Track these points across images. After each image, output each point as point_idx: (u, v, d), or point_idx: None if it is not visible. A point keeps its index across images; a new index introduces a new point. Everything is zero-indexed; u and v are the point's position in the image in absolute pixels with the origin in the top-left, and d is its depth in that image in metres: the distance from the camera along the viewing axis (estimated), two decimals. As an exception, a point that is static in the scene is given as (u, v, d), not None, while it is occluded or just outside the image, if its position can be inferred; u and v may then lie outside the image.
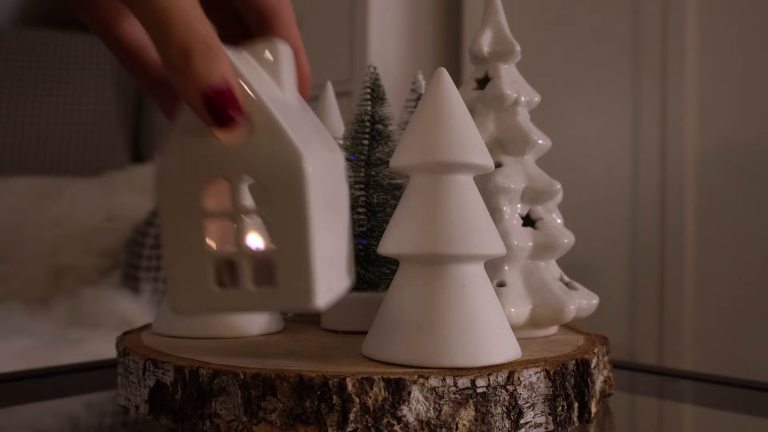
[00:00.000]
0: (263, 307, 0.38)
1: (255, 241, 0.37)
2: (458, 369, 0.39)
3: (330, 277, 0.37)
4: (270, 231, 0.35)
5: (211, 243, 0.36)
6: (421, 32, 1.56)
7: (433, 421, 0.37)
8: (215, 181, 0.35)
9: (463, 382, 0.38)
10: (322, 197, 0.36)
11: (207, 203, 0.35)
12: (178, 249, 0.36)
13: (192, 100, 0.33)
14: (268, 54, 0.38)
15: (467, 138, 0.41)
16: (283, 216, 0.35)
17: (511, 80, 0.54)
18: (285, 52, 0.38)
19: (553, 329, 0.53)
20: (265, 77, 0.37)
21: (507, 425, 0.39)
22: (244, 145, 0.34)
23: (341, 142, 0.52)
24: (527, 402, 0.40)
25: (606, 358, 0.49)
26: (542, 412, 0.40)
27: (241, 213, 0.35)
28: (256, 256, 0.36)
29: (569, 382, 0.42)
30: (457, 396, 0.38)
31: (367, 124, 0.51)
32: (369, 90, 0.51)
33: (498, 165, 0.53)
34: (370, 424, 0.37)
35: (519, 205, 0.53)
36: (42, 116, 1.85)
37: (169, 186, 0.35)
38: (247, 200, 0.38)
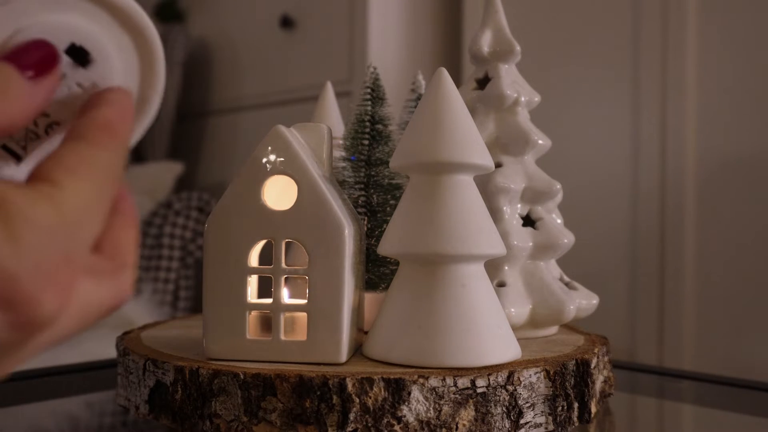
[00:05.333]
0: (292, 357, 0.41)
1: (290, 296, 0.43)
2: (458, 369, 0.39)
3: (351, 331, 0.41)
4: (307, 288, 0.40)
5: (251, 296, 0.41)
6: (421, 32, 1.56)
7: (433, 421, 0.37)
8: (260, 242, 0.41)
9: (463, 382, 0.38)
10: (351, 261, 0.41)
11: (251, 261, 0.41)
12: (219, 300, 0.41)
13: None
14: (314, 135, 0.44)
15: (467, 138, 0.41)
16: (321, 276, 0.40)
17: (511, 80, 0.54)
18: (328, 134, 0.45)
19: (553, 329, 0.53)
20: (310, 154, 0.43)
21: (507, 425, 0.39)
22: (293, 213, 0.40)
23: (341, 142, 0.52)
24: (527, 402, 0.40)
25: (606, 358, 0.49)
26: (542, 412, 0.40)
27: (282, 271, 0.41)
28: (290, 309, 0.41)
29: (569, 382, 0.41)
30: (457, 396, 0.38)
31: (367, 124, 0.51)
32: (369, 90, 0.51)
33: (498, 165, 0.53)
34: (370, 424, 0.37)
35: (519, 206, 0.53)
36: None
37: (217, 244, 0.41)
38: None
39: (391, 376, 0.37)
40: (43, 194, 0.22)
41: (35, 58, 0.24)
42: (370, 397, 0.37)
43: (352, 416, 0.37)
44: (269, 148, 0.41)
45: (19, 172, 0.27)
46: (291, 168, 0.41)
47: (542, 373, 0.40)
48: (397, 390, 0.37)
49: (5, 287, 0.20)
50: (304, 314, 0.41)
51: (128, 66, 0.28)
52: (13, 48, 0.24)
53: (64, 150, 0.23)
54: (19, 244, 0.20)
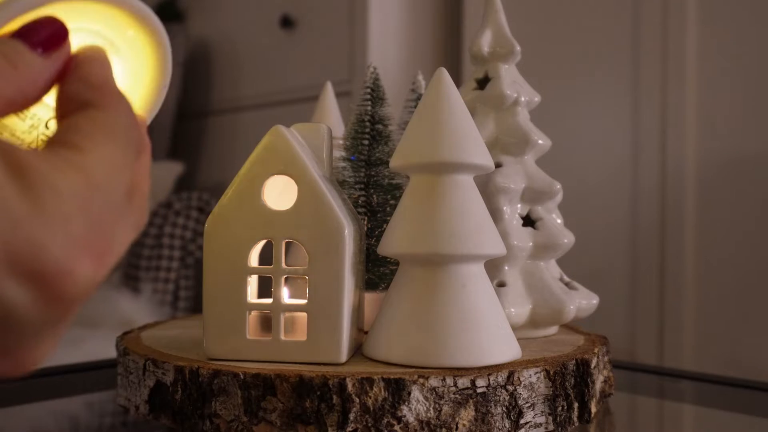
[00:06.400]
0: (292, 357, 0.41)
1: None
2: (458, 369, 0.39)
3: (351, 331, 0.41)
4: (307, 288, 0.40)
5: (251, 296, 0.41)
6: (421, 32, 1.56)
7: (433, 421, 0.37)
8: (260, 242, 0.41)
9: (463, 382, 0.38)
10: (351, 261, 0.41)
11: (251, 261, 0.41)
12: (218, 300, 0.41)
13: None
14: (314, 135, 0.44)
15: (467, 138, 0.41)
16: (321, 276, 0.40)
17: (511, 80, 0.54)
18: (328, 134, 0.45)
19: (553, 329, 0.53)
20: (310, 154, 0.43)
21: (507, 425, 0.39)
22: (293, 213, 0.40)
23: (341, 142, 0.52)
24: (527, 402, 0.40)
25: (606, 358, 0.49)
26: (542, 412, 0.40)
27: (281, 271, 0.41)
28: (290, 309, 0.41)
29: (569, 382, 0.41)
30: (457, 396, 0.38)
31: (367, 124, 0.51)
32: (369, 90, 0.51)
33: (498, 165, 0.53)
34: (370, 424, 0.37)
35: (519, 205, 0.53)
36: (42, 116, 1.85)
37: (217, 244, 0.41)
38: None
39: (391, 376, 0.37)
40: (67, 160, 0.21)
41: (44, 35, 0.24)
42: (370, 397, 0.37)
43: (352, 416, 0.37)
44: (269, 148, 0.41)
45: None
46: (291, 168, 0.41)
47: (542, 373, 0.40)
48: (397, 390, 0.37)
49: (33, 259, 0.19)
50: (304, 314, 0.41)
51: (136, 57, 0.28)
52: (21, 26, 0.24)
53: (77, 118, 0.23)
54: (46, 213, 0.19)
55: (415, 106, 0.48)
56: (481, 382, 0.38)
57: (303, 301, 0.41)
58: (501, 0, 0.56)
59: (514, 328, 0.46)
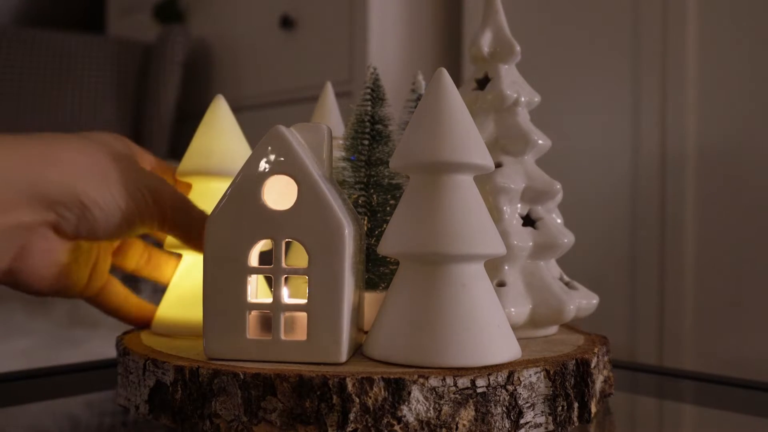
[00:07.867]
0: (292, 356, 0.41)
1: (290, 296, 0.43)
2: (458, 369, 0.39)
3: (351, 331, 0.41)
4: (307, 288, 0.40)
5: (251, 296, 0.41)
6: (421, 32, 1.56)
7: (433, 421, 0.37)
8: (260, 242, 0.41)
9: (463, 382, 0.38)
10: (351, 261, 0.41)
11: (251, 261, 0.41)
12: (218, 299, 0.41)
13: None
14: (314, 135, 0.44)
15: (467, 138, 0.41)
16: (321, 276, 0.40)
17: (511, 80, 0.54)
18: (328, 134, 0.45)
19: (553, 329, 0.53)
20: (310, 154, 0.43)
21: (507, 425, 0.39)
22: (293, 213, 0.40)
23: (341, 142, 0.52)
24: (527, 402, 0.40)
25: (606, 358, 0.49)
26: (542, 412, 0.40)
27: (282, 271, 0.41)
28: (290, 309, 0.41)
29: (569, 382, 0.41)
30: (457, 396, 0.38)
31: (367, 124, 0.51)
32: (369, 90, 0.51)
33: (498, 165, 0.53)
34: (370, 424, 0.37)
35: (519, 205, 0.53)
36: (42, 116, 1.85)
37: (217, 244, 0.41)
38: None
39: (391, 376, 0.37)
40: None
41: None
42: (370, 397, 0.37)
43: (352, 416, 0.37)
44: (269, 148, 0.41)
45: None
46: (291, 168, 0.41)
47: (542, 373, 0.40)
48: (397, 390, 0.37)
49: None
50: (304, 314, 0.41)
51: None
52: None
53: None
54: None
55: (415, 106, 0.48)
56: (481, 382, 0.38)
57: (303, 301, 0.41)
58: (501, 0, 0.56)
59: (514, 328, 0.46)
